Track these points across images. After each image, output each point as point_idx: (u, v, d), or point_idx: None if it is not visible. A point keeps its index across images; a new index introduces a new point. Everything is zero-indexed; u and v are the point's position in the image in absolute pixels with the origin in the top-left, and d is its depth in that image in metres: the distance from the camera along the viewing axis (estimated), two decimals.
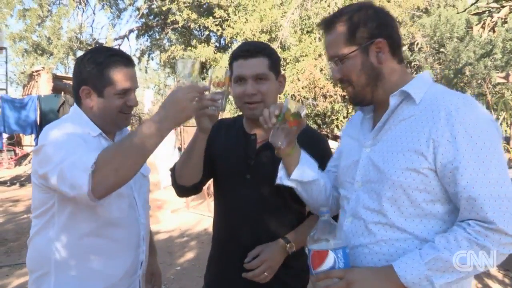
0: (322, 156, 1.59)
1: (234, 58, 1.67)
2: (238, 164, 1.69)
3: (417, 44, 12.75)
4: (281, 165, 1.47)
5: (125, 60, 1.59)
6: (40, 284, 1.55)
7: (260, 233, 1.65)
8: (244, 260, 1.61)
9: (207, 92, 1.40)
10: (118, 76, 1.55)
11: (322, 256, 1.16)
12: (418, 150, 1.16)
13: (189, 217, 7.24)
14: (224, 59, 12.24)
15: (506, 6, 4.44)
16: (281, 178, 1.46)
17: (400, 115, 1.25)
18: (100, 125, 1.61)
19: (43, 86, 13.99)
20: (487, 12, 4.72)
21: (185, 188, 1.68)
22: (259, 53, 1.63)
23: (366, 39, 1.26)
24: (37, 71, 13.83)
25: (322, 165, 1.55)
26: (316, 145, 1.68)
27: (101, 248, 1.54)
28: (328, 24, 1.31)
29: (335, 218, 1.46)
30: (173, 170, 1.70)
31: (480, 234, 1.08)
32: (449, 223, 1.18)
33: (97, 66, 1.55)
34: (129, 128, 1.80)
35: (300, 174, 1.43)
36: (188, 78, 1.35)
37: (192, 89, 1.30)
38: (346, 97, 10.30)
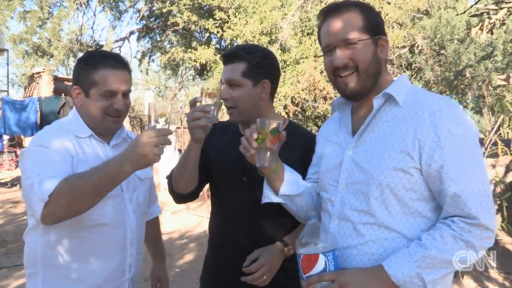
0: None
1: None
2: (235, 167, 1.69)
3: (418, 46, 12.74)
4: (265, 184, 1.46)
5: (114, 63, 1.61)
6: (31, 281, 1.60)
7: (256, 235, 1.66)
8: (241, 263, 1.61)
9: (199, 103, 1.42)
10: (104, 78, 1.57)
11: (312, 260, 1.16)
12: (404, 150, 1.19)
13: (189, 219, 7.25)
14: None
15: (504, 8, 4.45)
16: (269, 196, 1.45)
17: (384, 116, 1.28)
18: (92, 126, 1.64)
19: (44, 88, 14.00)
20: (485, 13, 4.73)
21: (182, 195, 1.69)
22: (235, 58, 1.64)
23: (375, 33, 1.29)
24: (38, 73, 13.85)
25: None
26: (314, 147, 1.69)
27: (83, 249, 1.56)
28: (339, 8, 1.31)
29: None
30: (169, 178, 1.70)
31: (464, 230, 1.12)
32: (434, 220, 1.22)
33: (86, 67, 1.59)
34: (129, 129, 1.80)
35: (288, 188, 1.43)
36: (158, 121, 1.34)
37: (157, 133, 1.29)
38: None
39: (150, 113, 1.34)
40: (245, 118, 1.68)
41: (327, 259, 1.16)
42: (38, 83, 14.49)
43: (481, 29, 4.56)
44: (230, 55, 1.66)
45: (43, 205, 1.32)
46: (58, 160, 1.45)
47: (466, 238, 1.12)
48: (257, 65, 1.65)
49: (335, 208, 1.32)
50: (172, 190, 1.70)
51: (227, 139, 1.78)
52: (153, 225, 1.99)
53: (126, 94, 1.63)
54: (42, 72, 13.67)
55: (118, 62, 1.62)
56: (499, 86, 12.83)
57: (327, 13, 1.32)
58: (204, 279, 1.84)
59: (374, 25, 1.29)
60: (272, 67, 1.73)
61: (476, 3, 5.23)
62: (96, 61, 1.60)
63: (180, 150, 9.36)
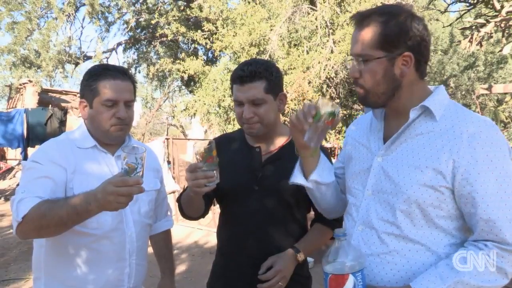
0: None
1: (232, 81, 1.72)
2: (246, 176, 1.73)
3: None
4: (297, 165, 1.45)
5: (114, 73, 1.64)
6: (36, 285, 1.66)
7: (266, 243, 1.69)
8: (251, 269, 1.64)
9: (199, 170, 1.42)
10: (104, 87, 1.61)
11: (341, 280, 1.14)
12: (437, 168, 1.17)
13: (179, 230, 7.18)
14: (213, 71, 12.28)
15: (491, 22, 4.59)
16: (299, 179, 1.43)
17: (418, 129, 1.25)
18: (97, 137, 1.67)
19: (29, 99, 13.81)
20: (473, 27, 4.87)
21: (195, 217, 1.80)
22: (255, 77, 1.64)
23: (396, 49, 1.21)
24: (23, 84, 13.66)
25: None
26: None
27: (80, 257, 1.58)
28: (362, 19, 1.25)
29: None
30: (179, 202, 1.78)
31: (498, 255, 1.13)
32: (457, 238, 1.23)
33: (89, 79, 1.64)
34: (133, 138, 1.81)
35: (320, 175, 1.41)
36: (136, 170, 1.30)
37: (124, 183, 1.27)
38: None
39: (125, 160, 1.29)
40: (266, 131, 1.72)
41: (356, 279, 1.13)
42: (22, 95, 14.28)
43: (470, 41, 4.71)
44: (249, 75, 1.64)
45: (16, 224, 1.43)
46: (43, 176, 1.50)
47: (500, 264, 1.12)
48: (275, 79, 1.69)
49: (360, 214, 1.32)
50: (183, 214, 1.79)
51: (235, 149, 1.81)
52: (163, 239, 1.98)
53: (129, 104, 1.65)
54: (27, 83, 13.50)
55: (119, 73, 1.65)
56: (481, 95, 13.12)
57: (355, 21, 1.28)
58: (212, 286, 1.86)
59: (393, 41, 1.20)
60: (282, 79, 1.79)
61: (461, 16, 5.40)
62: (98, 73, 1.64)
63: (169, 162, 9.29)
